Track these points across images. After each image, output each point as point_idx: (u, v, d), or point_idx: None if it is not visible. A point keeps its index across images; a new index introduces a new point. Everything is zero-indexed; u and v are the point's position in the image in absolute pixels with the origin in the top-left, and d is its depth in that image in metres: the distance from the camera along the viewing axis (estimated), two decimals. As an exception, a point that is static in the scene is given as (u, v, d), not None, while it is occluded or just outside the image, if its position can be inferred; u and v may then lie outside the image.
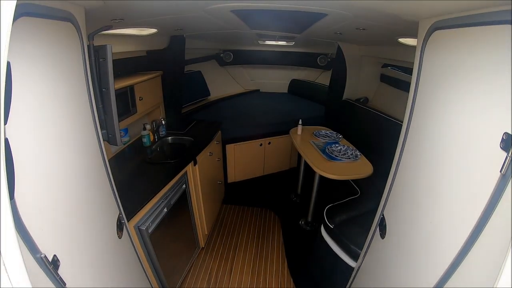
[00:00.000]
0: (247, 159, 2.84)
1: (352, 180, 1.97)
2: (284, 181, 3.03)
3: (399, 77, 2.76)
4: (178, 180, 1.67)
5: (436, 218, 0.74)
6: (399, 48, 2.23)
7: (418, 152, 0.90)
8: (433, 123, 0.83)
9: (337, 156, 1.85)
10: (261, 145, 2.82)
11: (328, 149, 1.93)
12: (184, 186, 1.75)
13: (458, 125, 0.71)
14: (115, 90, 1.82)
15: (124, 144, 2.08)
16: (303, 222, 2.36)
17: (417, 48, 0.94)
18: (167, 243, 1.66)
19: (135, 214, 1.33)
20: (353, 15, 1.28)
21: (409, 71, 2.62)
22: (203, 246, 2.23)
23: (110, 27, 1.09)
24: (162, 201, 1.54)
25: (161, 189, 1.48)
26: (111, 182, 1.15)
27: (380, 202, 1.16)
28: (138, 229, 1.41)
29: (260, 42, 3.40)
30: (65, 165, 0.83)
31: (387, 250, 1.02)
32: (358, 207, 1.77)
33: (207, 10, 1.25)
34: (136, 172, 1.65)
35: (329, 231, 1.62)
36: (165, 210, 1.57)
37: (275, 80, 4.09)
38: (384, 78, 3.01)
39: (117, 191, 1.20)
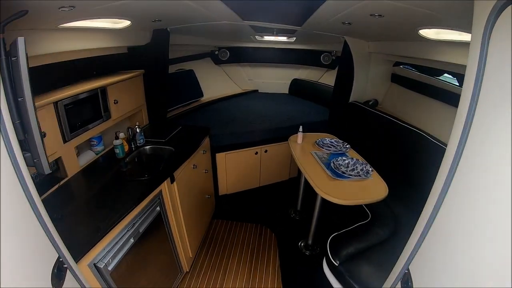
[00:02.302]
0: (241, 169, 2.54)
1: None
2: (282, 193, 2.72)
3: (413, 77, 2.44)
4: (149, 202, 1.38)
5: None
6: (415, 43, 1.90)
7: (470, 199, 0.59)
8: (500, 160, 0.51)
9: (345, 173, 1.53)
10: (256, 153, 2.52)
11: (333, 163, 1.61)
12: (158, 208, 1.46)
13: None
14: (83, 93, 1.57)
15: (97, 154, 1.81)
16: (302, 245, 2.06)
17: (474, 39, 0.60)
18: (138, 276, 1.38)
19: (87, 252, 1.05)
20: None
21: (426, 70, 2.29)
22: (188, 270, 1.95)
23: (25, 13, 0.79)
24: (128, 230, 1.26)
25: (124, 217, 1.20)
26: (43, 221, 0.87)
27: (404, 250, 0.85)
28: (95, 267, 1.13)
29: (258, 38, 3.09)
30: None
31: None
32: (368, 236, 1.45)
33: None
34: (100, 193, 1.37)
35: (332, 268, 1.31)
36: (132, 240, 1.28)
37: (275, 80, 3.79)
38: (396, 78, 2.69)
39: (57, 228, 0.91)
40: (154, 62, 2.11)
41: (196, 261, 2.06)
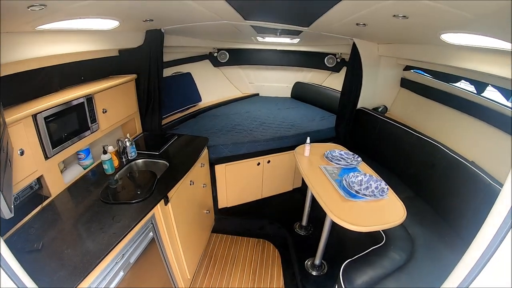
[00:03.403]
0: (242, 181, 2.38)
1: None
2: (286, 205, 2.57)
3: (426, 82, 2.30)
4: (140, 229, 1.22)
5: None
6: (432, 46, 1.75)
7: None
8: None
9: (359, 192, 1.38)
10: (258, 164, 2.36)
11: (345, 180, 1.46)
12: (151, 233, 1.30)
13: None
14: (65, 103, 1.40)
15: (85, 169, 1.65)
16: (309, 264, 1.91)
17: None
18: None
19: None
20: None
21: (440, 76, 2.14)
22: (185, 293, 1.80)
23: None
24: (116, 262, 1.10)
25: (111, 250, 1.04)
26: (6, 264, 0.71)
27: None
28: (78, 308, 0.97)
29: (260, 39, 2.93)
30: None
31: None
32: (383, 262, 1.31)
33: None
34: (84, 217, 1.21)
35: (348, 302, 1.17)
36: (122, 273, 1.12)
37: (277, 83, 3.63)
38: (406, 83, 2.54)
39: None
40: (147, 66, 1.94)
41: (194, 281, 1.91)
